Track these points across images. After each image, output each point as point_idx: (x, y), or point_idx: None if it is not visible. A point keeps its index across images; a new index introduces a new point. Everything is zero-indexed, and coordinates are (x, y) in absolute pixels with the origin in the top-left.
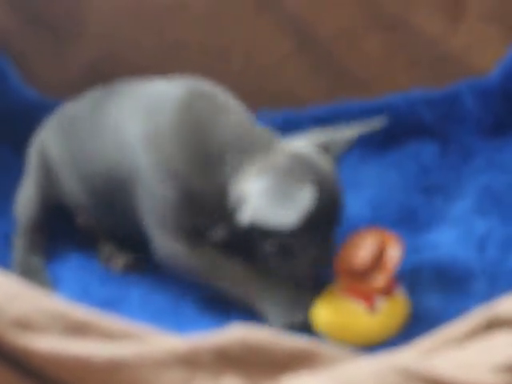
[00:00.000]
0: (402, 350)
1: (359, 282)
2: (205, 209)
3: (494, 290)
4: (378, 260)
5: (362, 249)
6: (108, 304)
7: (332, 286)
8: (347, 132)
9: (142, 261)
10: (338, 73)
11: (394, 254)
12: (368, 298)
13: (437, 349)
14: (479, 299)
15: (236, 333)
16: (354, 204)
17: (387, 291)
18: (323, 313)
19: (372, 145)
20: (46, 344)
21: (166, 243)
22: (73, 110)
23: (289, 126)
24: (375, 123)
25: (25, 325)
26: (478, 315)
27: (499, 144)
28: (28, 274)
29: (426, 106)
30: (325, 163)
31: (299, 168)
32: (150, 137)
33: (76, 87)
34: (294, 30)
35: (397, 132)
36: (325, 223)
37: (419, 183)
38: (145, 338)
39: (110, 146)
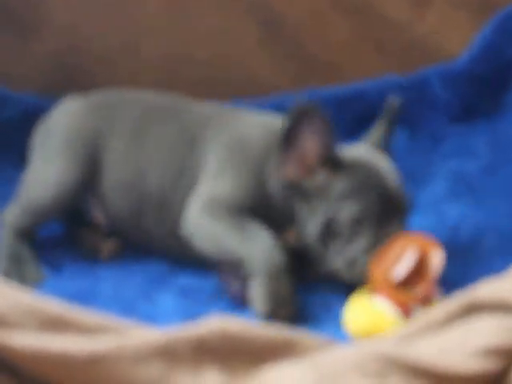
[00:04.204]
0: (383, 337)
1: (397, 290)
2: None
3: (468, 274)
4: (418, 268)
5: (404, 259)
6: (80, 297)
7: (364, 290)
8: (380, 128)
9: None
10: (306, 60)
11: (436, 262)
12: (404, 305)
13: (417, 334)
14: (454, 284)
15: (214, 324)
16: None
17: (425, 299)
18: (356, 320)
19: (342, 131)
20: (24, 340)
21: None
22: (140, 107)
23: None
24: (392, 105)
25: (2, 322)
26: (456, 300)
27: (468, 129)
28: (19, 261)
29: (395, 91)
30: (384, 163)
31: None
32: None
33: (40, 79)
34: (262, 17)
35: (365, 118)
36: (380, 215)
37: None
38: (122, 331)
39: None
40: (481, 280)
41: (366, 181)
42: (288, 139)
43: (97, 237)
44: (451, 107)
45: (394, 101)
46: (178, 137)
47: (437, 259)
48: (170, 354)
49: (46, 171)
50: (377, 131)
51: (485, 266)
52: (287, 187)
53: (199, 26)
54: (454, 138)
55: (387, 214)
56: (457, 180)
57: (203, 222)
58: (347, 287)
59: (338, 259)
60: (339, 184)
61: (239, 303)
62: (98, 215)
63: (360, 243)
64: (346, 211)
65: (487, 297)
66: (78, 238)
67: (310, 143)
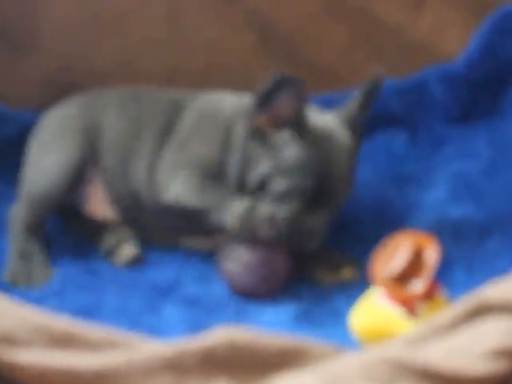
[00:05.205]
0: (391, 342)
1: (398, 287)
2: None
3: (472, 275)
4: (416, 264)
5: (399, 254)
6: (85, 311)
7: (369, 292)
8: (357, 102)
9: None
10: (302, 66)
11: (432, 256)
12: (408, 303)
13: (425, 338)
14: (459, 286)
15: (221, 334)
16: None
17: (428, 295)
18: (361, 320)
19: None
20: (33, 358)
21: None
22: (133, 93)
23: None
24: (374, 80)
25: (10, 340)
26: (463, 303)
27: (467, 130)
28: (28, 259)
29: (394, 95)
30: (340, 138)
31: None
32: None
33: (33, 97)
34: (257, 24)
35: (366, 123)
36: (310, 189)
37: (391, 173)
38: (130, 345)
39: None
40: (486, 281)
41: (310, 161)
42: (266, 93)
43: (115, 241)
44: (450, 109)
45: (376, 75)
46: (164, 107)
47: (433, 254)
48: (178, 367)
49: (46, 159)
50: (353, 105)
51: (489, 266)
52: (253, 134)
53: (195, 37)
54: (454, 140)
55: (317, 198)
56: (458, 181)
57: (176, 178)
58: (354, 291)
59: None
60: (289, 151)
61: (241, 293)
62: (99, 196)
63: (279, 211)
64: (278, 182)
65: (495, 298)
66: (93, 237)
67: (285, 101)
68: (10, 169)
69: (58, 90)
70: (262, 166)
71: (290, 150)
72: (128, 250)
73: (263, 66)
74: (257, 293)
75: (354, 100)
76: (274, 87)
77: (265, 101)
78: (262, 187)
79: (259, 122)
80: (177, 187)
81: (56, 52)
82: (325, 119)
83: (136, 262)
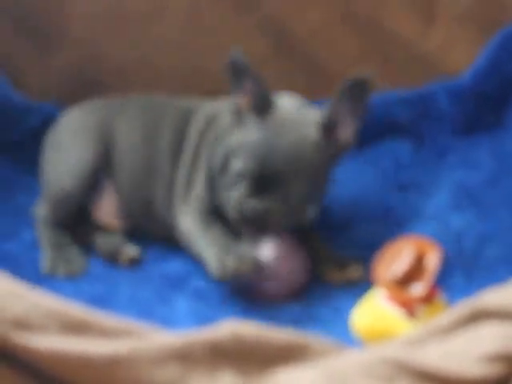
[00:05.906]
0: (391, 342)
1: (399, 290)
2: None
3: (471, 283)
4: (417, 268)
5: (401, 257)
6: (98, 300)
7: (371, 293)
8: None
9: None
10: (315, 73)
11: (433, 261)
12: (408, 305)
13: (424, 340)
14: (458, 291)
15: (229, 328)
16: (332, 202)
17: (427, 299)
18: (362, 320)
19: None
20: (45, 343)
21: (187, 217)
22: (146, 103)
23: None
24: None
25: (24, 325)
26: (462, 307)
27: (471, 142)
28: (62, 249)
29: (401, 105)
30: (305, 131)
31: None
32: None
33: (60, 90)
34: (271, 32)
35: (372, 131)
36: (258, 170)
37: (395, 181)
38: (141, 334)
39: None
40: (484, 288)
41: (264, 146)
42: (234, 72)
43: (117, 242)
44: (455, 121)
45: (356, 77)
46: (174, 120)
47: (434, 259)
48: (186, 357)
49: (63, 164)
50: (329, 106)
51: (488, 274)
52: (235, 115)
53: (212, 39)
54: (457, 151)
55: (266, 183)
56: (460, 191)
57: (186, 226)
58: (356, 291)
59: (221, 192)
60: (248, 134)
61: (252, 295)
62: (110, 202)
63: (235, 191)
64: (233, 163)
65: (493, 304)
66: (95, 242)
67: (247, 87)
68: (32, 159)
69: (80, 84)
70: (225, 146)
71: (249, 132)
72: (129, 251)
73: (277, 71)
74: (280, 298)
75: (332, 101)
76: (235, 68)
77: (236, 77)
78: (222, 169)
79: (240, 104)
80: (183, 227)
81: (79, 48)
82: (300, 112)
83: (138, 263)
